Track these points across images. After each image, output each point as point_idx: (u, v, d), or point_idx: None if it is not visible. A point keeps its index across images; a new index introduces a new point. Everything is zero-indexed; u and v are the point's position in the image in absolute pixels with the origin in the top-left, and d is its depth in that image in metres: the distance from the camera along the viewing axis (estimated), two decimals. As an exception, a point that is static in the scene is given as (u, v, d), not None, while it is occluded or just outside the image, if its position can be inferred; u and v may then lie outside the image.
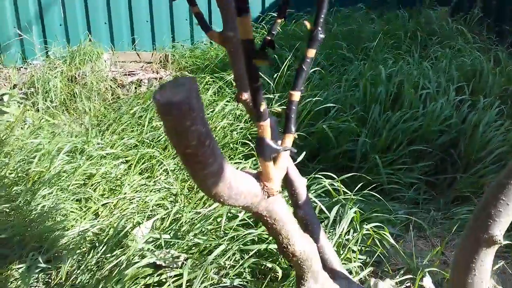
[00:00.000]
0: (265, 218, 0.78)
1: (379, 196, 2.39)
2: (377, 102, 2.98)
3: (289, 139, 0.77)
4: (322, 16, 0.76)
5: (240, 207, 0.72)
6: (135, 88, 4.20)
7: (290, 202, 1.21)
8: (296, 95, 0.77)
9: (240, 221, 2.01)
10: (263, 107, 0.64)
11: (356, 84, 3.21)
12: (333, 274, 1.14)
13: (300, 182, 1.17)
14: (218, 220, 2.03)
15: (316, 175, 2.35)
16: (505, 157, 2.73)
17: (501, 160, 2.71)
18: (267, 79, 3.24)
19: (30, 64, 4.42)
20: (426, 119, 2.83)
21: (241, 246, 1.85)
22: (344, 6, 4.84)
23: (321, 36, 0.77)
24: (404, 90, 3.03)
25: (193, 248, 1.92)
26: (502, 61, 3.45)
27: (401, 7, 4.72)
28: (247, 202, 0.71)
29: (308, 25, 0.76)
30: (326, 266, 1.15)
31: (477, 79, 3.21)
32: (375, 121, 2.89)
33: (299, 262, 0.88)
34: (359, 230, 1.94)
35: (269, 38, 1.19)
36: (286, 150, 0.71)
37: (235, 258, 1.86)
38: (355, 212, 2.00)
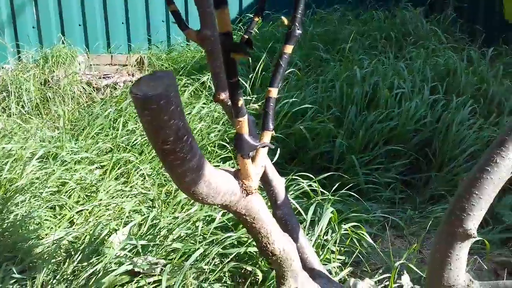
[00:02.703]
0: (244, 216, 0.77)
1: (356, 196, 2.40)
2: (353, 103, 3.00)
3: (267, 135, 0.77)
4: (300, 11, 0.75)
5: (219, 206, 0.71)
6: (110, 91, 4.14)
7: (269, 202, 1.21)
8: (274, 92, 0.76)
9: (218, 224, 1.99)
10: (241, 102, 0.63)
11: (332, 85, 3.23)
12: (313, 274, 1.13)
13: (278, 181, 1.17)
14: (197, 224, 2.00)
15: (294, 177, 2.35)
16: (478, 155, 2.78)
17: (474, 158, 2.76)
18: (242, 81, 3.23)
19: (2, 68, 4.31)
20: (401, 119, 2.86)
21: (220, 250, 1.83)
22: (321, 8, 4.87)
23: (299, 32, 0.77)
24: (379, 90, 3.06)
25: (172, 253, 1.89)
26: (475, 60, 3.53)
27: (377, 8, 4.78)
28: (226, 200, 0.70)
29: (285, 20, 0.76)
30: (305, 266, 1.14)
31: (451, 78, 3.26)
32: (352, 122, 2.91)
33: (279, 261, 0.87)
34: (337, 230, 1.95)
35: (247, 36, 1.18)
36: (264, 146, 0.70)
37: (215, 262, 1.84)
38: (332, 212, 2.00)
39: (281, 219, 1.13)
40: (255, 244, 1.65)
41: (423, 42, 4.02)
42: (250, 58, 0.82)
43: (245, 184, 0.71)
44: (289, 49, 0.76)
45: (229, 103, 1.16)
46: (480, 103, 3.06)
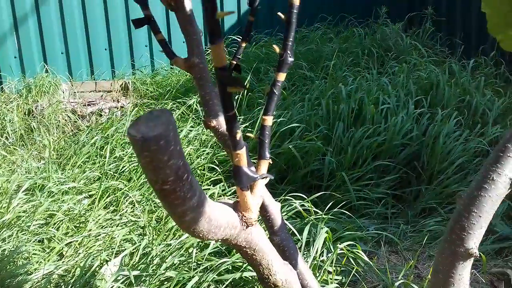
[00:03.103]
0: (245, 249, 0.75)
1: (349, 213, 2.40)
2: (340, 120, 3.01)
3: (264, 165, 0.76)
4: (291, 39, 0.75)
5: (219, 241, 0.69)
6: (96, 118, 4.10)
7: (265, 227, 1.19)
8: (269, 120, 0.75)
9: (212, 249, 1.96)
10: (239, 135, 0.62)
11: (318, 103, 3.25)
12: (314, 299, 1.11)
13: (275, 207, 1.15)
14: (190, 250, 1.97)
15: (286, 197, 2.34)
16: (466, 166, 2.80)
17: (463, 170, 2.78)
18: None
19: (-17, 99, 4.25)
20: (388, 134, 2.88)
21: (215, 276, 1.80)
22: (302, 27, 4.93)
23: (291, 59, 0.77)
24: (365, 106, 3.09)
25: (166, 282, 1.86)
26: (456, 72, 3.58)
27: (357, 25, 4.85)
28: (226, 235, 0.68)
29: (277, 49, 0.76)
30: (306, 292, 1.12)
31: (434, 91, 3.31)
32: (340, 138, 2.92)
33: (281, 291, 0.85)
34: (333, 250, 1.93)
35: (235, 62, 1.18)
36: (264, 177, 0.69)
37: (210, 288, 1.81)
38: (327, 232, 1.99)
39: (279, 245, 1.11)
40: (252, 270, 1.63)
41: (404, 56, 4.09)
42: (244, 89, 0.81)
43: (245, 216, 0.70)
44: (282, 76, 0.75)
45: (220, 129, 1.15)
46: (464, 115, 3.10)
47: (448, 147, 2.81)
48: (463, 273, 0.95)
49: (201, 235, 0.61)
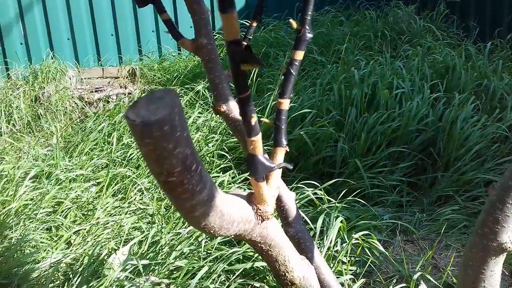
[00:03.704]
0: (260, 244, 0.69)
1: (362, 201, 2.33)
2: (353, 105, 2.93)
3: (281, 153, 0.69)
4: (309, 13, 0.67)
5: (231, 236, 0.63)
6: (103, 105, 4.05)
7: (279, 218, 1.13)
8: (286, 103, 0.68)
9: (222, 238, 1.91)
10: (254, 120, 0.55)
11: (330, 88, 3.16)
12: (331, 294, 1.05)
13: (289, 197, 1.09)
14: (199, 239, 1.92)
15: (298, 185, 2.28)
16: (484, 153, 2.71)
17: (480, 156, 2.69)
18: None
19: (-10, 86, 4.21)
20: (403, 119, 2.79)
21: (225, 266, 1.75)
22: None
23: (309, 35, 0.69)
24: (378, 91, 3.00)
25: (175, 272, 1.81)
26: (473, 55, 3.47)
27: (368, 7, 4.73)
28: (240, 230, 0.62)
29: (294, 24, 0.68)
30: (323, 286, 1.06)
31: (450, 75, 3.20)
32: (353, 125, 2.84)
33: (298, 288, 0.79)
34: (347, 240, 1.87)
35: (245, 43, 1.10)
36: (281, 167, 0.62)
37: (221, 279, 1.76)
38: (341, 221, 1.93)
39: (294, 237, 1.05)
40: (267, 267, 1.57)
41: (418, 39, 3.97)
42: (262, 66, 0.74)
43: (260, 210, 0.63)
44: (300, 55, 0.68)
45: (231, 115, 1.08)
46: (482, 99, 3.00)
47: (465, 133, 2.71)
48: (495, 269, 0.88)
49: (212, 231, 0.54)
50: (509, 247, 0.86)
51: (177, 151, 0.41)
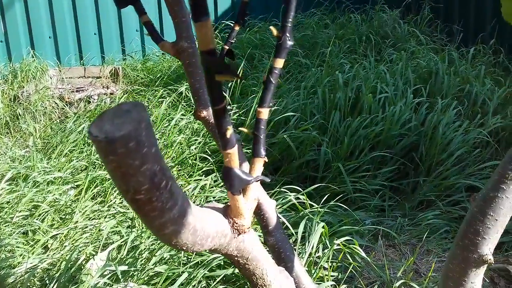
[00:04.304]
0: (236, 258, 0.67)
1: (344, 206, 2.32)
2: (337, 109, 2.92)
3: (259, 164, 0.66)
4: (290, 20, 0.65)
5: (206, 251, 0.60)
6: (84, 105, 3.98)
7: (259, 227, 1.10)
8: (264, 113, 0.66)
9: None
10: (230, 132, 0.53)
11: (314, 91, 3.15)
12: (311, 304, 1.03)
13: (269, 205, 1.06)
14: (180, 244, 1.88)
15: (281, 189, 2.26)
16: (465, 158, 2.73)
17: (462, 161, 2.70)
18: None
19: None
20: (386, 124, 2.80)
21: (206, 272, 1.72)
22: (297, 12, 4.81)
23: (290, 43, 0.67)
24: (362, 95, 3.00)
25: (155, 278, 1.77)
26: (456, 60, 3.49)
27: (354, 11, 4.74)
28: (215, 244, 0.59)
29: (274, 31, 0.65)
30: (303, 296, 1.04)
31: (433, 80, 3.22)
32: (336, 128, 2.83)
33: (277, 302, 0.77)
34: (329, 246, 1.85)
35: (227, 47, 1.07)
36: (258, 180, 0.60)
37: (201, 286, 1.73)
38: (323, 227, 1.91)
39: (274, 246, 1.03)
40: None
41: (402, 44, 3.99)
42: (237, 77, 0.71)
43: (236, 223, 0.61)
44: (279, 63, 0.65)
45: (211, 120, 1.05)
46: (464, 104, 3.02)
47: (448, 138, 2.73)
48: (476, 281, 0.87)
49: (184, 248, 0.52)
50: (489, 259, 0.85)
51: (144, 168, 0.39)
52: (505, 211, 0.82)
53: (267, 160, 0.66)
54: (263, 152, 0.67)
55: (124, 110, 0.38)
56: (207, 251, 0.58)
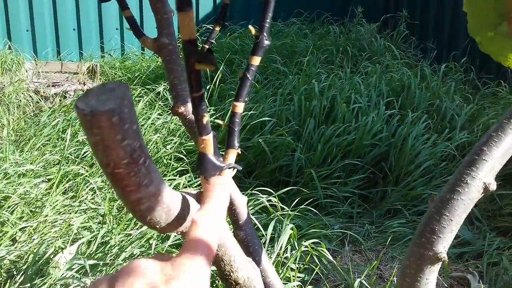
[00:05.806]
0: (206, 243, 0.70)
1: (315, 210, 2.38)
2: (312, 116, 2.99)
3: (233, 154, 0.70)
4: (268, 20, 0.69)
5: (178, 234, 0.64)
6: (60, 100, 3.94)
7: (230, 222, 1.14)
8: (240, 106, 0.70)
9: (173, 241, 1.90)
10: (206, 119, 0.56)
11: (290, 98, 3.22)
12: (276, 298, 1.07)
13: (241, 201, 1.10)
14: (150, 242, 1.90)
15: (253, 191, 2.30)
16: (432, 170, 2.83)
17: (429, 173, 2.80)
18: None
19: None
20: (358, 133, 2.88)
21: (175, 268, 1.74)
22: (277, 21, 4.88)
23: (267, 42, 0.71)
24: (337, 104, 3.07)
25: (123, 272, 1.78)
26: (428, 76, 3.61)
27: (333, 22, 4.84)
28: (187, 227, 0.62)
29: (253, 30, 0.70)
30: (268, 290, 1.08)
31: (405, 94, 3.32)
32: (310, 135, 2.90)
33: (243, 289, 0.80)
34: (297, 248, 1.90)
35: (207, 46, 1.11)
36: (231, 167, 0.64)
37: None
38: (292, 229, 1.96)
39: (243, 240, 1.06)
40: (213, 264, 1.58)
41: (378, 57, 4.10)
42: (216, 68, 0.74)
43: (208, 209, 0.64)
44: (256, 60, 0.69)
45: (188, 116, 1.09)
46: (433, 118, 3.13)
47: (416, 150, 2.82)
48: (430, 278, 0.92)
49: (157, 226, 0.55)
50: (443, 257, 0.91)
51: (125, 143, 0.42)
52: (460, 212, 0.87)
53: (240, 152, 0.70)
54: (236, 144, 0.70)
55: (109, 88, 0.42)
56: (179, 233, 0.62)
